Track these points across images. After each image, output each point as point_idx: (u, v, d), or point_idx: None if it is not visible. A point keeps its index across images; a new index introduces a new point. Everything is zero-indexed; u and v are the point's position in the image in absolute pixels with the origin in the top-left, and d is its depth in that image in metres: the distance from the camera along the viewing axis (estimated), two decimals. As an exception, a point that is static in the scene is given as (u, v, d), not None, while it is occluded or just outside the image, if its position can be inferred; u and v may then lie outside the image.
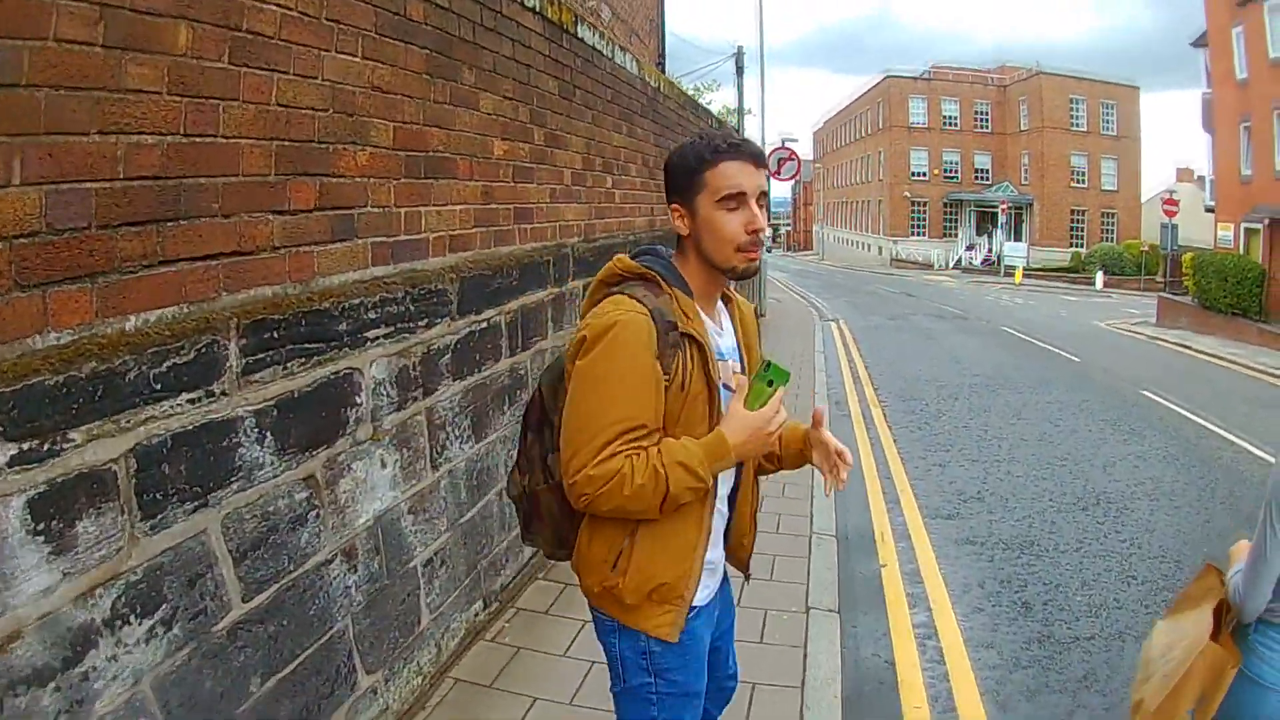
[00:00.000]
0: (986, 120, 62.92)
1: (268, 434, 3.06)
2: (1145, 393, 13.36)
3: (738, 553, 2.56)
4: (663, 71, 17.80)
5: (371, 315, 3.66)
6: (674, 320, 2.15)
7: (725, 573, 2.58)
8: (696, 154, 2.22)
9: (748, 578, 2.73)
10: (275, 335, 3.08)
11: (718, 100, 35.14)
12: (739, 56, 27.94)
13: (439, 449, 4.34)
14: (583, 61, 6.36)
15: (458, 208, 4.46)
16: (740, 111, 28.39)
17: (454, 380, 4.47)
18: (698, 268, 2.28)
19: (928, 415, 11.48)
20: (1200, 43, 32.81)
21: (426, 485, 4.22)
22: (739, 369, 2.37)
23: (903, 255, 61.85)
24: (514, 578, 5.31)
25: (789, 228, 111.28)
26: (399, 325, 3.88)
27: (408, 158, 3.95)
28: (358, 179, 3.58)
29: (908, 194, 63.49)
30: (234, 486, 2.86)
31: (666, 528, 2.21)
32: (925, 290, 39.41)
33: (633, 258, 2.33)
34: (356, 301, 3.55)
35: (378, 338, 3.71)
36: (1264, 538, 2.44)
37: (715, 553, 2.41)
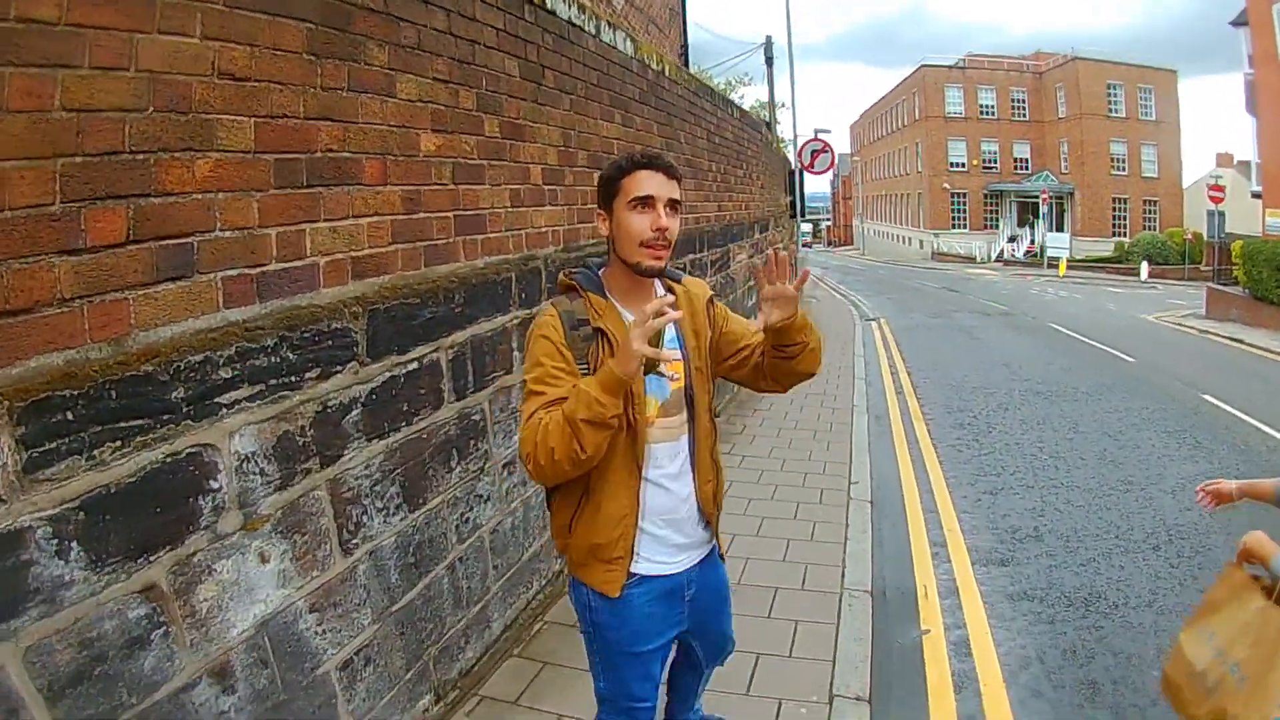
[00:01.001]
0: (1024, 108, 62.28)
1: (73, 544, 2.30)
2: (1206, 397, 12.17)
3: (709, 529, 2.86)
4: (686, 63, 16.90)
5: (226, 373, 2.77)
6: (585, 318, 2.55)
7: (714, 559, 2.94)
8: (617, 166, 2.59)
9: (721, 555, 3.02)
10: (71, 416, 2.29)
11: (750, 96, 34.51)
12: (768, 47, 27.07)
13: (352, 527, 3.45)
14: (555, 39, 5.40)
15: (365, 221, 3.54)
16: (771, 103, 27.51)
17: (369, 440, 3.57)
18: (618, 268, 2.63)
19: (977, 429, 10.37)
20: (1240, 21, 31.59)
21: (335, 575, 3.34)
22: (676, 354, 2.65)
23: (944, 249, 61.03)
24: (478, 659, 4.45)
25: (829, 223, 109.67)
26: (273, 382, 2.97)
27: (279, 162, 3.03)
28: (198, 196, 2.68)
29: (947, 186, 62.65)
30: (32, 613, 2.20)
31: (599, 498, 2.57)
32: (968, 285, 38.10)
33: (568, 274, 2.72)
34: (199, 358, 2.66)
35: (239, 401, 2.82)
36: None
37: (670, 531, 2.72)
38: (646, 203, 2.49)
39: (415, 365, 3.90)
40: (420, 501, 3.96)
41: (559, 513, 2.71)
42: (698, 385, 2.70)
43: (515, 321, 4.80)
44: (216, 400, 2.71)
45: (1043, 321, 22.57)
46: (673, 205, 2.54)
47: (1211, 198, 30.95)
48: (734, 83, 39.67)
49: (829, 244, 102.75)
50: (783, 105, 30.24)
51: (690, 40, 19.70)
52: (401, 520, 3.80)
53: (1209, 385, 13.06)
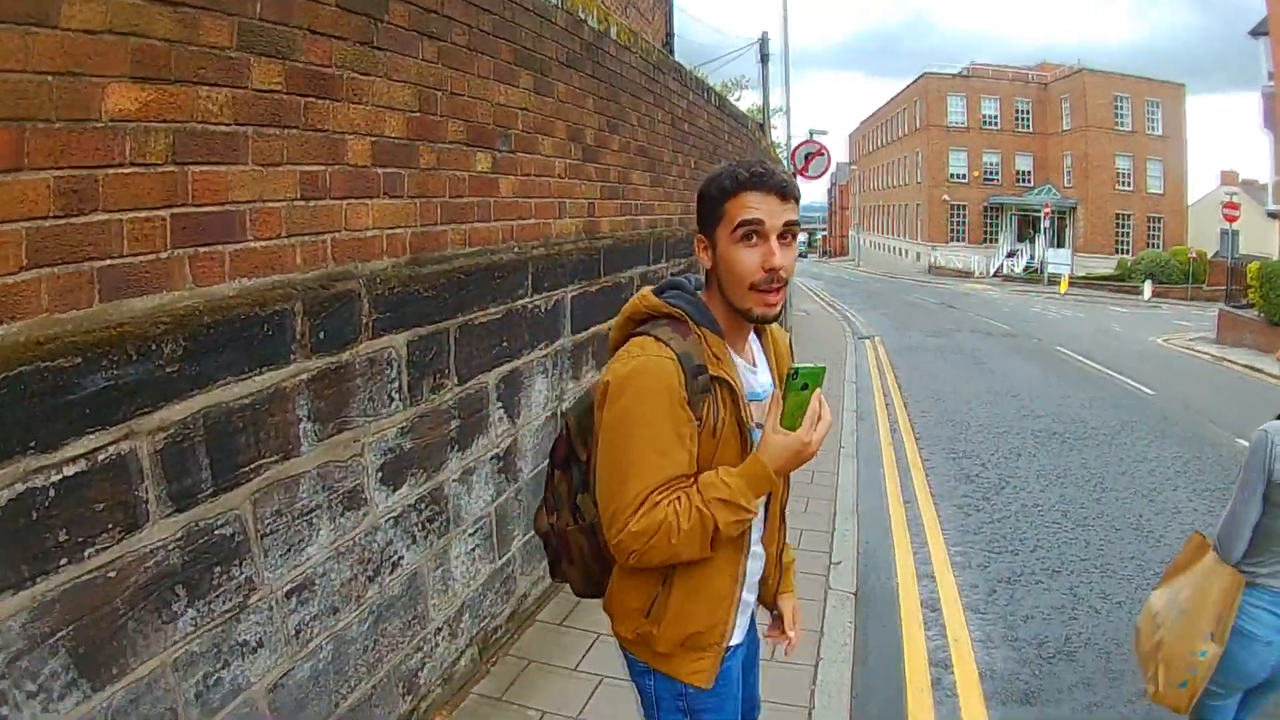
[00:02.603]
0: (1028, 120, 61.19)
1: None
2: (1241, 441, 10.33)
3: (763, 591, 2.50)
4: (670, 54, 15.29)
5: None
6: (703, 363, 2.08)
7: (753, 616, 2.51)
8: (719, 184, 2.11)
9: (774, 612, 2.63)
10: None
11: (746, 101, 33.13)
12: (763, 44, 25.42)
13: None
14: (405, -51, 3.70)
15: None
16: (765, 104, 25.95)
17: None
18: (722, 304, 2.17)
19: (986, 484, 8.65)
20: (1259, 31, 30.29)
21: None
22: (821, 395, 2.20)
23: (941, 262, 59.71)
24: None
25: (824, 233, 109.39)
26: None
27: None
28: None
29: (946, 197, 61.32)
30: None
31: (700, 577, 2.15)
32: (967, 301, 36.50)
33: (657, 292, 2.21)
34: None
35: None
36: (1241, 489, 2.96)
37: (750, 595, 2.37)
38: (756, 231, 2.05)
39: (82, 466, 2.28)
40: (113, 674, 2.38)
41: (631, 593, 2.24)
42: None
43: (303, 378, 3.12)
44: None
45: (1049, 344, 20.95)
46: (787, 233, 2.09)
47: (1226, 216, 29.49)
48: (730, 85, 38.27)
49: (824, 254, 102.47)
50: (779, 110, 28.47)
51: (683, 38, 18.13)
52: (78, 704, 2.27)
53: (1239, 425, 11.24)
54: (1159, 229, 54.36)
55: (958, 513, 7.71)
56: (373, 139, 3.52)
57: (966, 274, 55.66)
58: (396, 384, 3.70)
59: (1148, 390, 14.47)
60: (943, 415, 12.11)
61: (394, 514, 3.77)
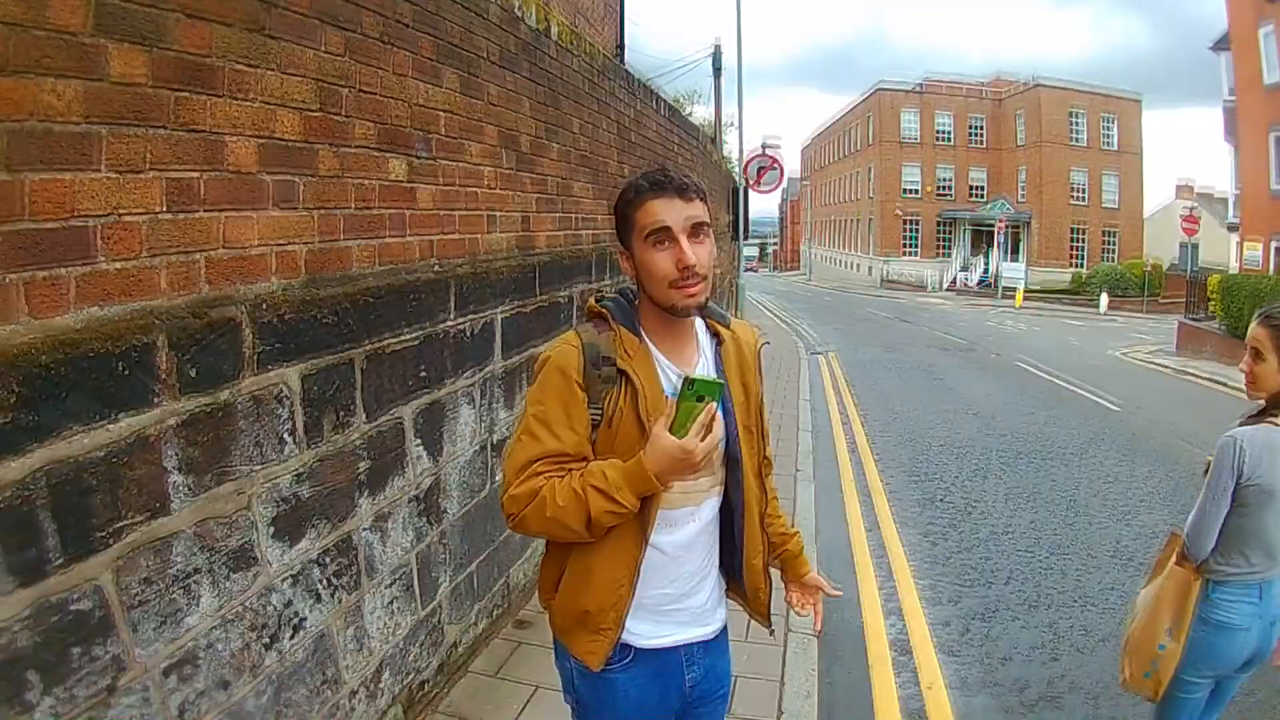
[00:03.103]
0: (981, 135, 61.53)
1: None
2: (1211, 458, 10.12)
3: (754, 604, 2.51)
4: (621, 63, 14.90)
5: None
6: (611, 356, 2.17)
7: (722, 645, 2.51)
8: (625, 197, 2.22)
9: (770, 629, 2.65)
10: None
11: (699, 114, 32.94)
12: (715, 56, 25.09)
13: None
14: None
15: None
16: (718, 118, 25.63)
17: None
18: (651, 307, 2.24)
19: (952, 508, 8.23)
20: (1221, 45, 30.56)
21: None
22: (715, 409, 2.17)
23: (894, 275, 59.55)
24: None
25: (775, 246, 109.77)
26: None
27: None
28: None
29: (899, 211, 61.44)
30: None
31: (593, 560, 2.21)
32: (921, 315, 36.27)
33: (600, 298, 2.31)
34: None
35: None
36: (1208, 489, 3.11)
37: (671, 605, 2.34)
38: (665, 235, 2.12)
39: None
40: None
41: (546, 567, 2.37)
42: (745, 446, 2.32)
43: (171, 423, 2.60)
44: None
45: (1009, 359, 20.71)
46: (696, 230, 2.14)
47: (1185, 229, 29.75)
48: (683, 99, 37.99)
49: (774, 268, 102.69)
50: (731, 125, 28.13)
51: (636, 50, 17.76)
52: None
53: (1208, 440, 10.91)
54: (1114, 241, 54.75)
55: (924, 541, 7.27)
56: (261, 140, 3.00)
57: (920, 287, 55.57)
58: (290, 424, 3.18)
59: (1113, 405, 14.23)
60: (903, 434, 11.70)
61: (293, 571, 3.25)
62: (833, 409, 13.40)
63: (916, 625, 5.62)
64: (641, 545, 2.21)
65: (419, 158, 4.05)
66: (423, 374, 4.07)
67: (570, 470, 2.11)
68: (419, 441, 4.09)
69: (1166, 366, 20.81)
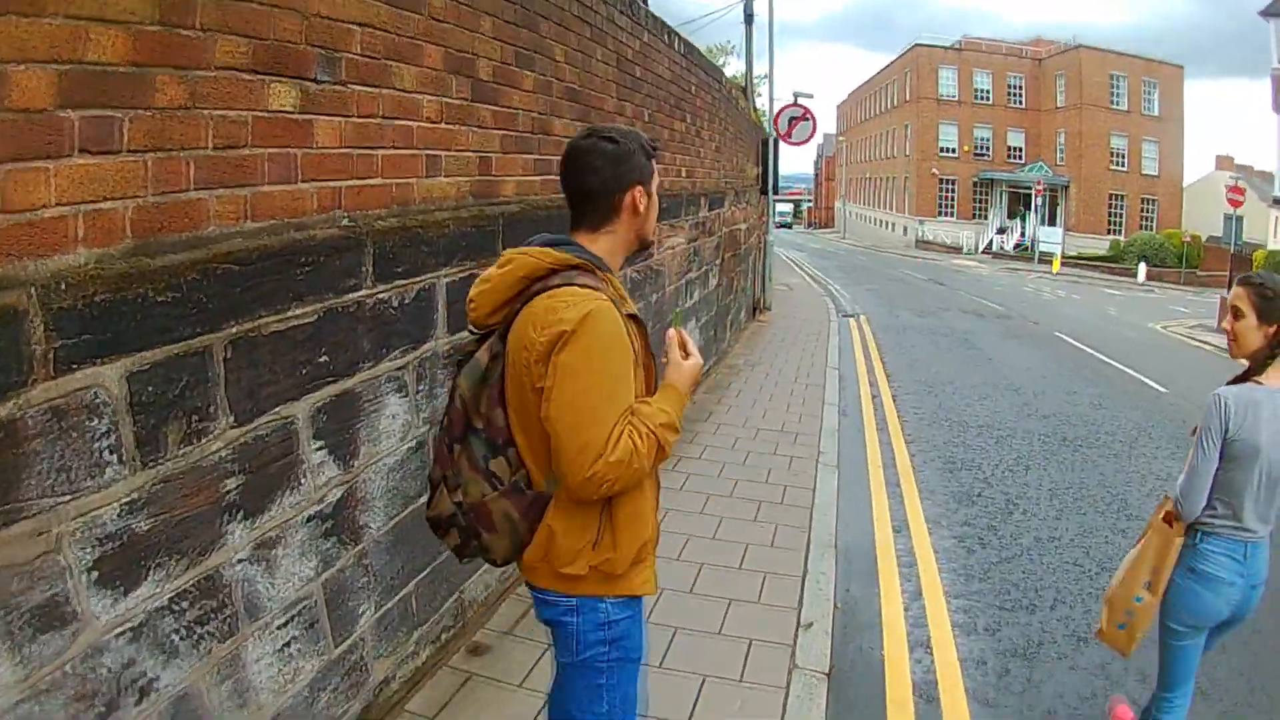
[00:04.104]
0: (1021, 95, 60.30)
1: None
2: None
3: None
4: (645, 8, 13.89)
5: None
6: (617, 302, 2.25)
7: None
8: (646, 148, 2.39)
9: None
10: None
11: (730, 69, 31.87)
12: (747, 3, 23.85)
13: None
14: None
15: None
16: (749, 68, 24.46)
17: None
18: (620, 246, 2.41)
19: (991, 507, 7.26)
20: (1272, 12, 29.03)
21: None
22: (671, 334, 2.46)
23: (929, 237, 58.75)
24: None
25: (810, 204, 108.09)
26: None
27: None
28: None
29: (936, 171, 60.15)
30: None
31: (641, 499, 2.33)
32: (956, 278, 35.18)
33: (552, 246, 2.29)
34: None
35: None
36: (1197, 446, 3.16)
37: None
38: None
39: None
40: None
41: (576, 533, 2.29)
42: None
43: None
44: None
45: (1047, 329, 19.69)
46: None
47: (1230, 200, 28.25)
48: (714, 50, 36.64)
49: (809, 225, 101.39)
50: (763, 79, 27.03)
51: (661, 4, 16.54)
52: None
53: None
54: (1153, 211, 53.63)
55: (958, 547, 6.33)
56: (59, 68, 2.10)
57: (955, 250, 54.78)
58: (112, 439, 2.31)
59: (1159, 387, 13.19)
60: (936, 412, 10.73)
61: (131, 624, 2.43)
62: (862, 381, 12.43)
63: (947, 663, 4.71)
64: (655, 471, 2.42)
65: (318, 83, 3.10)
66: (323, 359, 3.15)
67: (627, 420, 2.14)
68: (320, 445, 3.19)
69: (1207, 343, 19.68)
